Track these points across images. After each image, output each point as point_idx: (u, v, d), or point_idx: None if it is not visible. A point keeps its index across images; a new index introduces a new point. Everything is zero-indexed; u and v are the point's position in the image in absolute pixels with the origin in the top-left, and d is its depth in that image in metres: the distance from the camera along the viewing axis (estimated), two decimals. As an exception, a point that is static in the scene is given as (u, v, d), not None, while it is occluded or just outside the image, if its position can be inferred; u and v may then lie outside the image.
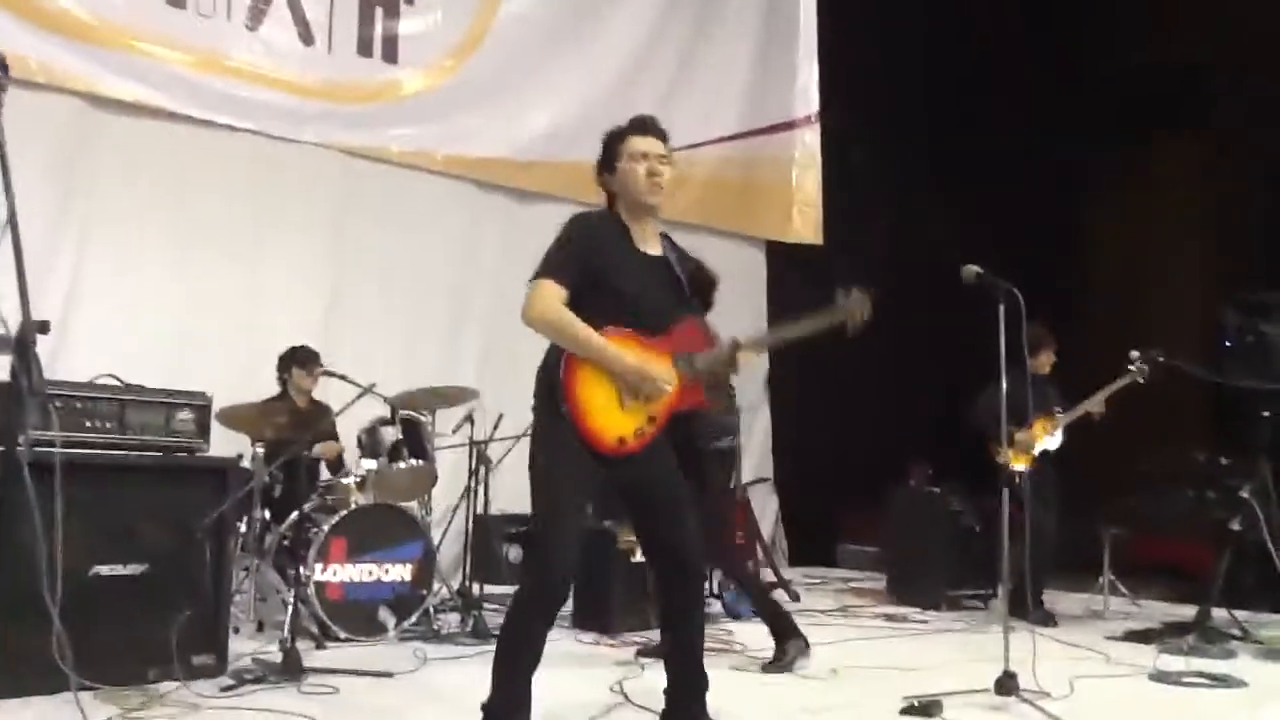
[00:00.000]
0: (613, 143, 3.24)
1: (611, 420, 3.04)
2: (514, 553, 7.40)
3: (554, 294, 3.01)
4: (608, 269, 3.09)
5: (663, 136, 3.25)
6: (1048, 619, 6.06)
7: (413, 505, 5.54)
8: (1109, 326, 7.11)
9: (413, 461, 5.33)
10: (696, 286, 3.61)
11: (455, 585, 5.70)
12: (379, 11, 7.51)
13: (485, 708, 3.13)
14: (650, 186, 3.17)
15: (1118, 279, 10.02)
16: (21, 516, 2.37)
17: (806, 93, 9.96)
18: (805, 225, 9.92)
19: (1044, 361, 6.43)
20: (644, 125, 3.25)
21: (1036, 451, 6.32)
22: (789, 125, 9.91)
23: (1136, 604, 6.86)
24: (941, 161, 9.81)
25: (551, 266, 3.06)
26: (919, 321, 9.57)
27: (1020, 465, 6.21)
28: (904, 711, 3.82)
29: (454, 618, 5.44)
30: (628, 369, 3.02)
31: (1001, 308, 4.04)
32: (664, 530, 3.18)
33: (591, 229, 3.16)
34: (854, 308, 3.26)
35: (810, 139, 9.97)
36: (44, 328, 1.96)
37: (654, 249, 3.26)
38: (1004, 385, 4.24)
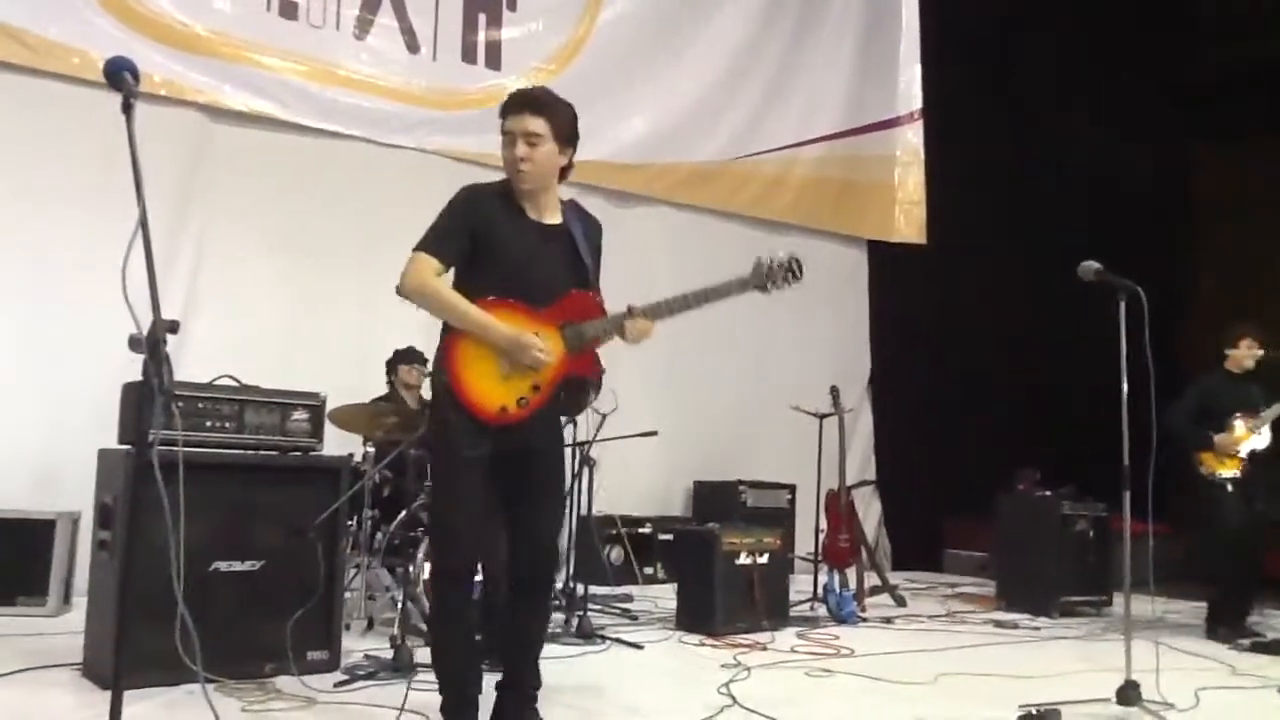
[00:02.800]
0: (501, 112, 3.12)
1: (492, 389, 3.00)
2: (615, 553, 7.44)
3: (427, 266, 2.99)
4: (491, 240, 3.03)
5: (537, 109, 3.05)
6: (1248, 636, 5.75)
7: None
8: (1217, 320, 6.80)
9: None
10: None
11: (559, 585, 5.73)
12: (482, 19, 7.64)
13: (441, 708, 3.12)
14: (513, 171, 3.07)
15: (1227, 272, 9.64)
16: (148, 514, 2.44)
17: (909, 90, 9.84)
18: (909, 225, 9.78)
19: (1242, 356, 6.04)
20: (508, 102, 3.10)
21: (1244, 453, 5.96)
22: (891, 123, 9.79)
23: (1260, 614, 6.58)
24: (1046, 158, 9.58)
25: (428, 240, 3.04)
26: (1026, 322, 9.37)
27: (1228, 471, 5.91)
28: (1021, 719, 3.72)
29: (558, 617, 5.46)
30: (503, 338, 2.98)
31: (1123, 306, 3.90)
32: (526, 510, 3.12)
33: (474, 201, 3.10)
34: (773, 271, 3.11)
35: (913, 137, 9.83)
36: (174, 327, 2.01)
37: (552, 218, 3.16)
38: (1121, 388, 4.06)
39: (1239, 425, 5.93)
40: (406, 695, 3.29)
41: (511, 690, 3.21)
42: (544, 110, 3.06)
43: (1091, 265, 4.01)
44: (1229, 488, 5.88)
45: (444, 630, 3.16)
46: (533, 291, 3.04)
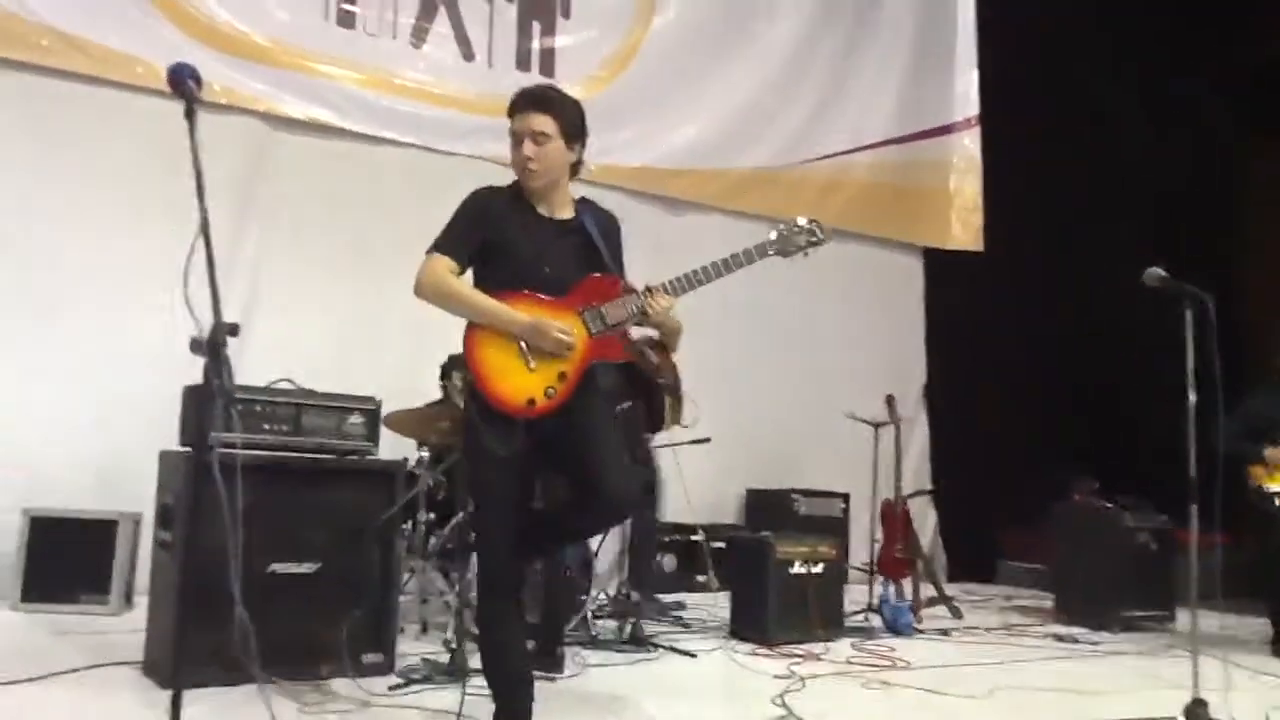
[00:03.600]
0: (509, 112, 3.11)
1: (518, 382, 2.97)
2: (668, 562, 7.41)
3: (441, 266, 3.00)
4: (502, 238, 3.03)
5: (542, 106, 3.05)
6: None
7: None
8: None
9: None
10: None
11: (613, 592, 5.72)
12: (537, 26, 7.67)
13: (494, 716, 3.08)
14: (522, 170, 3.07)
15: None
16: (207, 515, 2.46)
17: (966, 96, 9.72)
18: (965, 232, 9.66)
19: None
20: (514, 101, 3.09)
21: None
22: (947, 129, 9.68)
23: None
24: (1103, 162, 9.42)
25: (441, 241, 3.05)
26: (1084, 329, 9.20)
27: (1277, 485, 5.82)
28: (1082, 736, 3.64)
29: (611, 624, 5.45)
30: (521, 325, 2.96)
31: (1189, 314, 3.80)
32: (586, 471, 3.00)
33: (483, 202, 3.10)
34: (794, 234, 3.11)
35: (970, 143, 9.71)
36: (234, 330, 2.03)
37: (564, 214, 3.14)
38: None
39: None
40: (463, 702, 3.26)
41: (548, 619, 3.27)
42: (550, 108, 3.05)
43: (1156, 272, 3.92)
44: (1276, 502, 5.76)
45: (492, 639, 3.12)
46: (548, 285, 3.03)
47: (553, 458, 3.08)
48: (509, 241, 3.03)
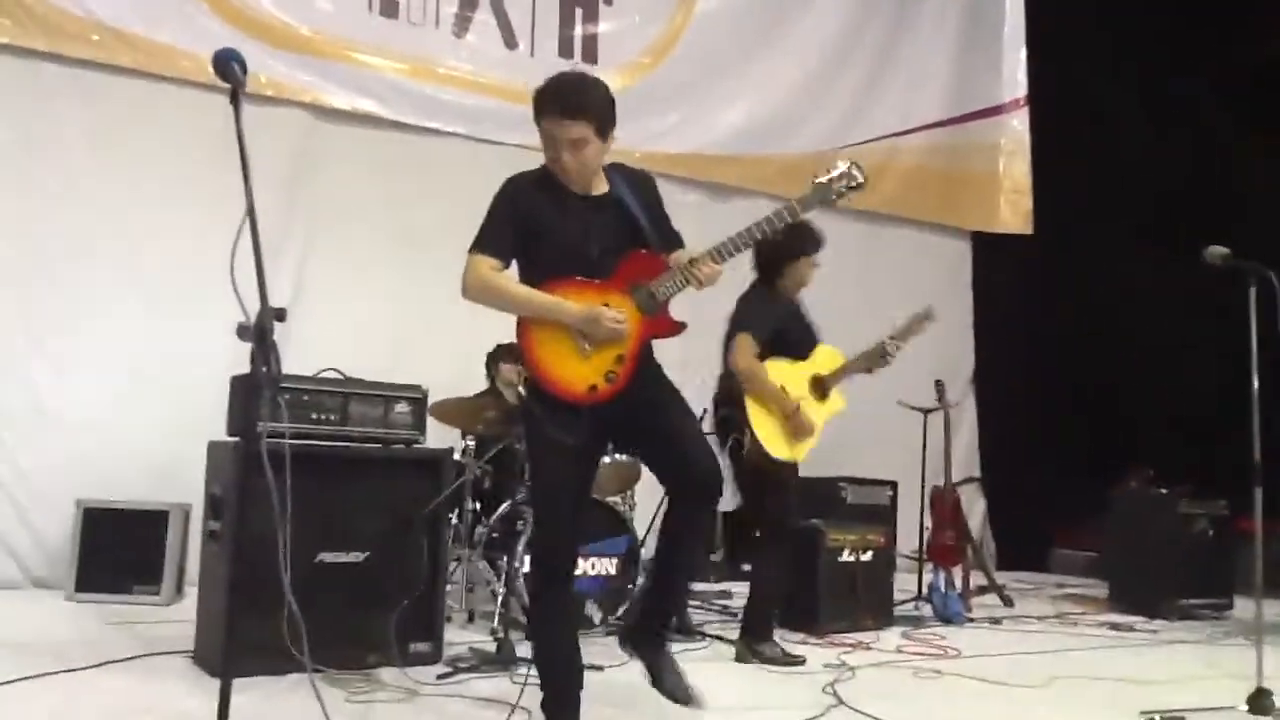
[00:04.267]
0: (534, 109, 2.98)
1: (577, 371, 2.93)
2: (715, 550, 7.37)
3: (484, 266, 2.94)
4: (541, 226, 2.96)
5: (575, 113, 2.90)
6: None
7: (617, 500, 5.55)
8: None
9: (618, 457, 5.33)
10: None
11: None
12: (579, 13, 7.64)
13: (542, 704, 3.06)
14: (564, 171, 2.96)
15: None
16: (256, 505, 2.45)
17: (1014, 76, 9.58)
18: (1014, 215, 9.52)
19: None
20: (541, 103, 2.94)
21: None
22: (996, 110, 9.55)
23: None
24: (1157, 143, 9.20)
25: (480, 239, 2.99)
26: (1136, 312, 9.01)
27: None
28: (1143, 727, 3.56)
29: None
30: (574, 316, 2.91)
31: (1253, 292, 3.69)
32: (672, 451, 3.00)
33: (516, 191, 3.02)
34: (833, 182, 3.02)
35: (1019, 124, 9.57)
36: (281, 315, 2.01)
37: (599, 188, 3.04)
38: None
39: None
40: (521, 693, 3.21)
41: (645, 620, 3.19)
42: (583, 113, 2.91)
43: (1219, 250, 3.81)
44: None
45: (543, 626, 3.12)
46: (593, 266, 2.98)
47: (628, 441, 3.13)
48: (546, 228, 2.98)
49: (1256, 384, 3.80)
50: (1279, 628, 5.39)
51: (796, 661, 4.53)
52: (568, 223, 2.99)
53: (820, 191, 3.04)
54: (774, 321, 4.58)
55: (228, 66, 2.20)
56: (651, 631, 3.18)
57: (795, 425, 4.51)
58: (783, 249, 4.57)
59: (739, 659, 4.58)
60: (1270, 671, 3.68)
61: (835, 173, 3.04)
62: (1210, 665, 4.92)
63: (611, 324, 2.91)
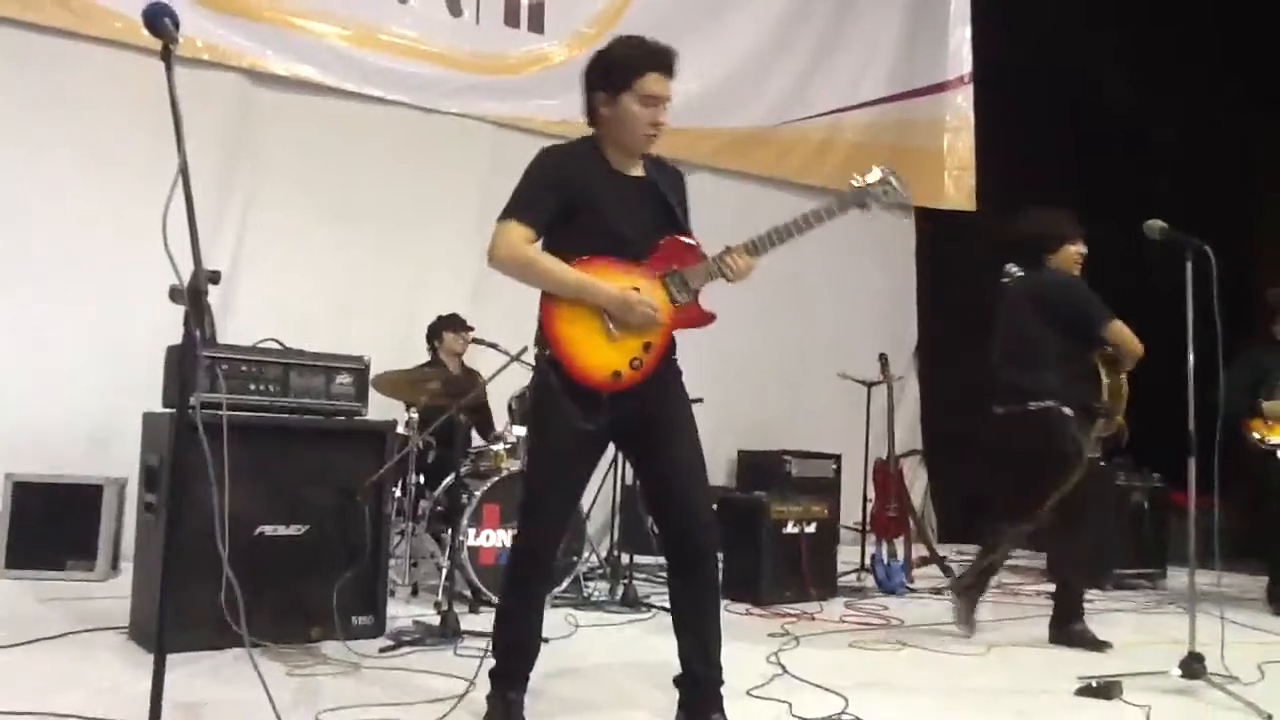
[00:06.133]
0: (622, 69, 2.87)
1: (601, 355, 2.82)
2: (659, 523, 7.38)
3: (518, 234, 2.82)
4: (580, 198, 2.86)
5: (673, 72, 2.91)
6: None
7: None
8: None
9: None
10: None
11: (603, 553, 5.70)
12: (525, -19, 7.54)
13: (491, 672, 3.01)
14: (648, 139, 2.91)
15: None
16: (193, 477, 2.40)
17: (959, 53, 9.63)
18: (958, 191, 9.60)
19: None
20: (665, 61, 2.89)
21: None
22: (940, 87, 9.59)
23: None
24: (1102, 121, 9.32)
25: (515, 206, 2.87)
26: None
27: (1276, 438, 5.81)
28: (1080, 692, 3.62)
29: (604, 585, 5.43)
30: (608, 298, 2.80)
31: (1190, 265, 3.75)
32: (664, 477, 2.93)
33: (559, 161, 2.93)
34: (871, 187, 2.98)
35: (963, 101, 9.63)
36: (215, 277, 1.95)
37: (638, 170, 2.99)
38: (1190, 358, 3.91)
39: None
40: (479, 669, 3.12)
41: (689, 683, 2.94)
42: (674, 76, 2.91)
43: (1157, 223, 3.86)
44: (1278, 454, 5.76)
45: (516, 601, 3.02)
46: (627, 246, 2.88)
47: (630, 449, 3.03)
48: (587, 201, 2.86)
49: (1192, 358, 3.86)
50: (1210, 596, 5.54)
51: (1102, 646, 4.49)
52: (608, 199, 2.90)
53: (856, 195, 3.00)
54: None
55: (159, 21, 2.12)
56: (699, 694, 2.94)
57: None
58: (1045, 239, 4.70)
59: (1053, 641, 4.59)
60: (1202, 638, 3.76)
61: (872, 179, 2.99)
62: (1144, 632, 5.04)
63: (645, 310, 2.82)
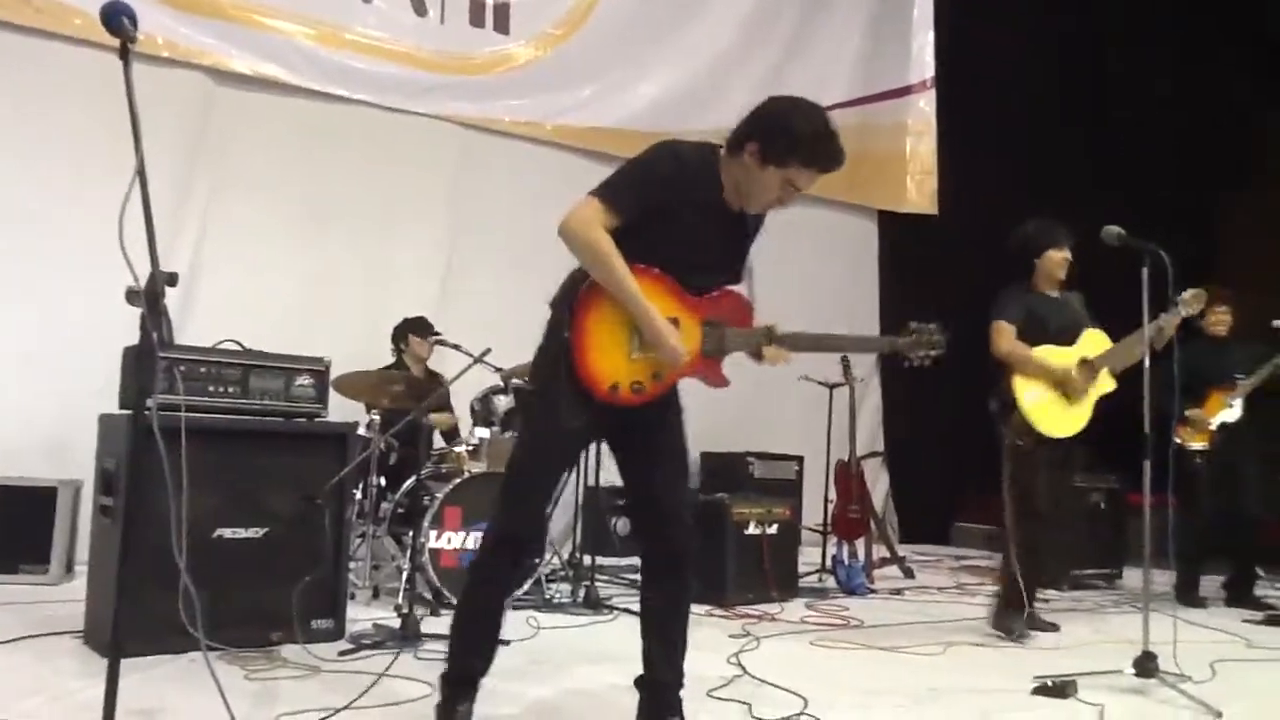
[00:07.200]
0: (788, 145, 2.78)
1: (611, 364, 2.77)
2: (622, 524, 7.38)
3: (598, 215, 2.70)
4: (678, 212, 2.76)
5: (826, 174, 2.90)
6: (1262, 609, 5.82)
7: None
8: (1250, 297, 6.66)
9: (509, 434, 5.31)
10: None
11: (566, 555, 5.70)
12: (490, -19, 7.52)
13: (443, 677, 2.94)
14: (760, 208, 2.88)
15: (1263, 246, 9.44)
16: (150, 480, 2.38)
17: (922, 58, 9.72)
18: (920, 195, 9.68)
19: (1217, 323, 6.06)
20: (829, 165, 2.86)
21: (1214, 426, 5.97)
22: (903, 91, 9.68)
23: (1275, 587, 6.55)
24: (1063, 126, 9.43)
25: (611, 191, 2.75)
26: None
27: (1197, 444, 5.93)
28: (1036, 691, 3.67)
29: (565, 587, 5.43)
30: (652, 326, 2.72)
31: (1146, 271, 3.81)
32: (644, 480, 2.93)
33: (675, 164, 2.80)
34: (919, 343, 3.03)
35: (925, 105, 9.72)
36: (172, 280, 1.94)
37: (737, 204, 2.90)
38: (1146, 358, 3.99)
39: (1212, 399, 5.97)
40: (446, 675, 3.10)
41: (649, 685, 2.93)
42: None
43: (1114, 229, 3.91)
44: (1198, 460, 5.90)
45: (477, 597, 2.93)
46: (692, 274, 2.82)
47: (618, 454, 3.00)
48: (681, 217, 2.77)
49: (1147, 361, 3.93)
50: (1164, 595, 5.64)
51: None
52: (701, 223, 2.81)
53: (907, 340, 3.05)
54: (1023, 308, 4.83)
55: (117, 20, 2.10)
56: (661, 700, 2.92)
57: (1069, 386, 4.69)
58: (1030, 245, 4.93)
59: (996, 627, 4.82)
60: (1156, 636, 3.81)
61: (926, 334, 3.05)
62: (1100, 632, 5.10)
63: (674, 348, 2.75)
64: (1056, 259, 4.89)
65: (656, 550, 2.96)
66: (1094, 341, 4.82)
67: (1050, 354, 4.75)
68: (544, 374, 2.89)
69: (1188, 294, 4.47)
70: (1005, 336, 4.81)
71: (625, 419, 2.86)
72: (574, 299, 2.79)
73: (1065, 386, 4.70)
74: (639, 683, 2.97)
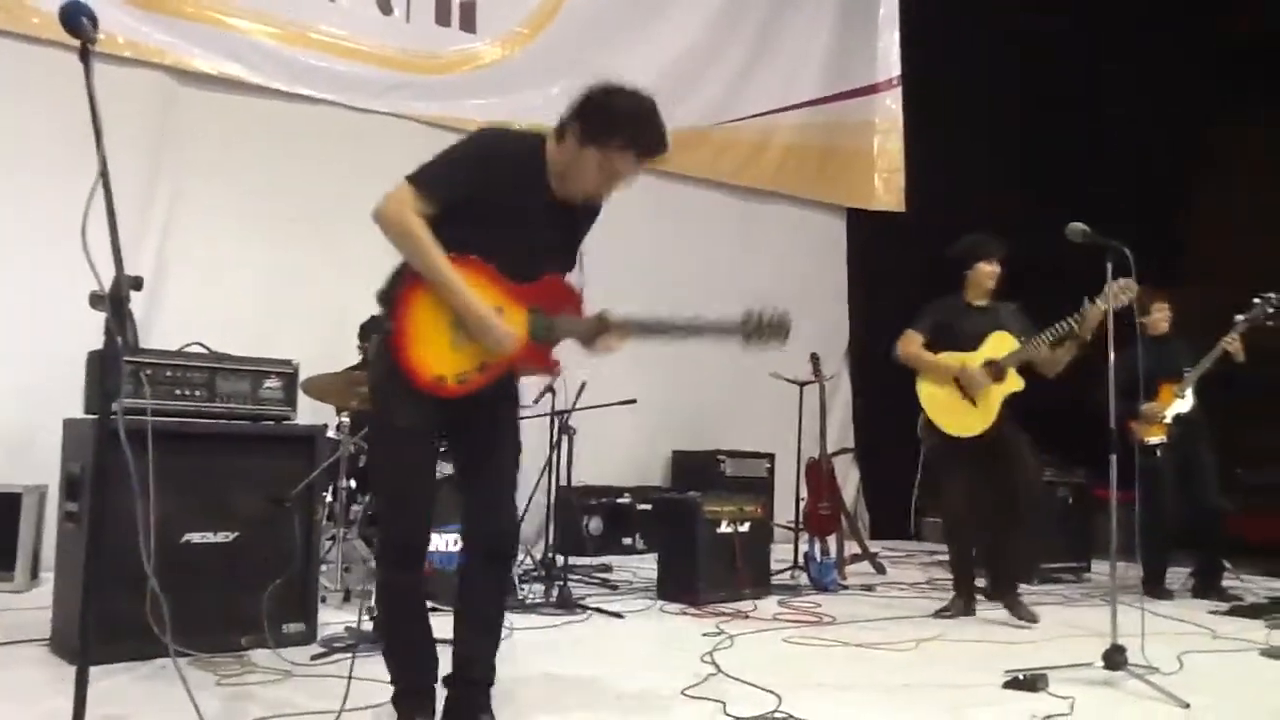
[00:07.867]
0: (607, 124, 2.73)
1: (435, 355, 2.70)
2: (594, 524, 7.39)
3: (414, 204, 2.65)
4: (498, 200, 2.71)
5: (650, 164, 2.83)
6: (1228, 600, 5.96)
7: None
8: (1217, 292, 6.74)
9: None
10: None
11: (538, 556, 5.68)
12: (456, -20, 7.49)
13: (393, 698, 2.92)
14: (580, 196, 2.83)
15: (1227, 241, 9.54)
16: (116, 485, 2.35)
17: (888, 56, 9.78)
18: (888, 192, 9.73)
19: (1159, 320, 6.25)
20: (651, 150, 2.78)
21: (1168, 419, 6.10)
22: (870, 90, 9.73)
23: (1239, 579, 6.63)
24: (1030, 124, 9.50)
25: (425, 177, 2.70)
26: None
27: (1155, 438, 6.05)
28: (1007, 685, 3.70)
29: (538, 588, 5.41)
30: (475, 314, 2.67)
31: (1110, 268, 3.85)
32: (475, 474, 2.90)
33: (494, 151, 2.78)
34: (761, 327, 2.88)
35: (892, 104, 9.78)
36: (138, 284, 1.91)
37: (562, 192, 2.85)
38: (1111, 354, 4.02)
39: (1163, 392, 6.08)
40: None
41: (460, 682, 2.90)
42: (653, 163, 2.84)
43: (1079, 226, 3.95)
44: (1157, 453, 6.02)
45: (396, 616, 2.91)
46: (515, 263, 2.75)
47: (453, 447, 2.97)
48: (503, 206, 2.72)
49: (1112, 357, 3.97)
50: (1132, 589, 5.68)
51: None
52: (523, 210, 2.77)
53: (746, 323, 2.90)
54: (938, 316, 5.28)
55: (76, 20, 2.07)
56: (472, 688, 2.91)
57: (967, 380, 5.07)
58: (960, 260, 5.34)
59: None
60: (1124, 629, 3.85)
61: (766, 316, 2.89)
62: (1069, 625, 5.15)
63: (499, 338, 2.70)
64: (986, 271, 5.27)
65: (486, 547, 2.92)
66: (1000, 344, 5.14)
67: (949, 356, 5.11)
68: (375, 373, 2.87)
69: (1118, 283, 4.48)
70: (905, 342, 5.28)
71: (458, 412, 2.79)
72: (397, 289, 2.75)
73: (966, 387, 5.05)
74: (449, 680, 2.92)
